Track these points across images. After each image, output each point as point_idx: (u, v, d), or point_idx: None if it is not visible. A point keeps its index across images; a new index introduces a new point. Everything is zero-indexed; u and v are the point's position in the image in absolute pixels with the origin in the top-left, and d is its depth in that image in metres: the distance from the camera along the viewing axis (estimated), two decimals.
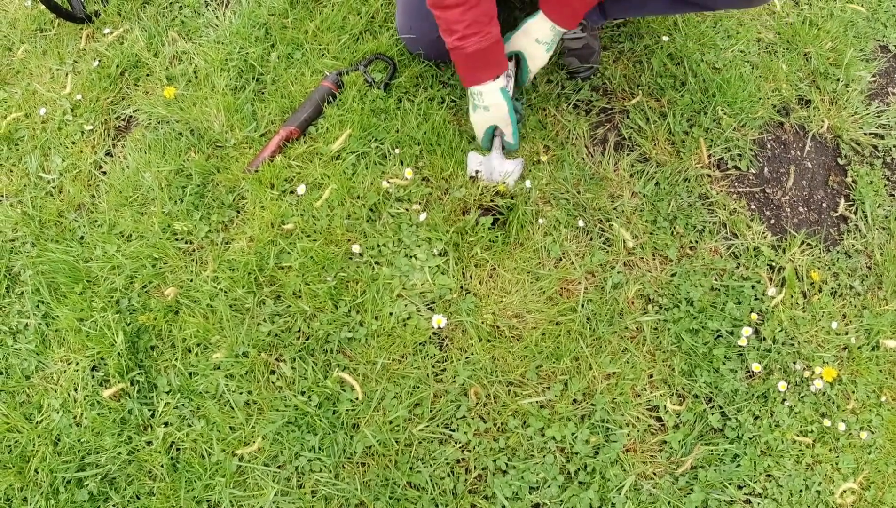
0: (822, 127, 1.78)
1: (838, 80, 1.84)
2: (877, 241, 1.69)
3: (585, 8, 1.45)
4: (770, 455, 1.45)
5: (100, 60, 1.80)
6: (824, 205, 1.72)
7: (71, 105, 1.75)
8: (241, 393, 1.42)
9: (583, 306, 1.47)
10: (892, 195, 1.76)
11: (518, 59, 1.56)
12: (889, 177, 1.78)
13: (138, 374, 1.44)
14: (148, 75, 1.75)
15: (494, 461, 1.36)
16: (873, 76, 1.89)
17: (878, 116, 1.83)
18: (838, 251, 1.65)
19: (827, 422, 1.50)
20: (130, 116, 1.72)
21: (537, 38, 1.49)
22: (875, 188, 1.75)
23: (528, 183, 1.54)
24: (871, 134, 1.81)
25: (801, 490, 1.45)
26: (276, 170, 1.54)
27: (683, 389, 1.46)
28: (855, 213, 1.72)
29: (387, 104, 1.59)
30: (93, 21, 1.85)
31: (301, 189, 1.52)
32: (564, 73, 1.68)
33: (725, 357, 1.48)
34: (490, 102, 1.45)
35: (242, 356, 1.43)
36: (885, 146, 1.80)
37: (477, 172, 1.53)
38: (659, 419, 1.43)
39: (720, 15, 1.87)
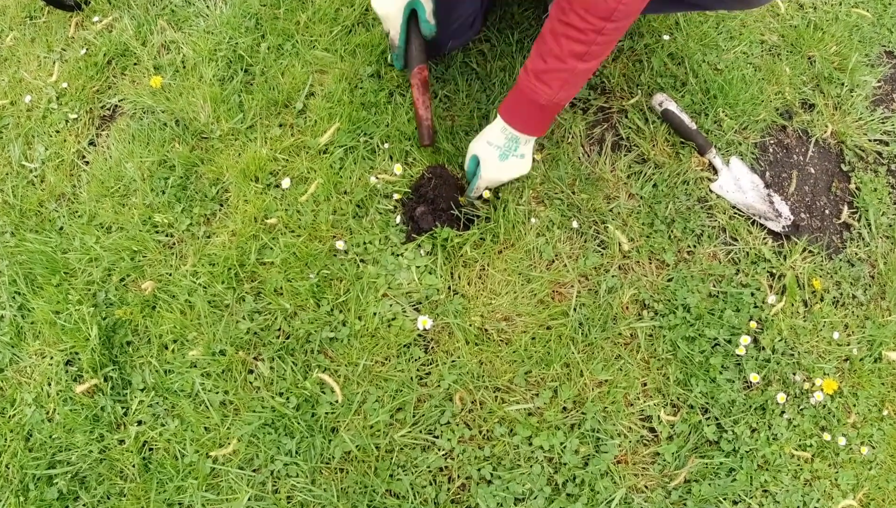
0: (825, 132, 1.70)
1: (843, 84, 1.75)
2: (880, 250, 1.60)
3: (540, 115, 1.27)
4: (767, 469, 1.35)
5: (87, 49, 1.72)
6: (827, 212, 1.63)
7: (57, 93, 1.67)
8: (217, 393, 1.33)
9: (575, 310, 1.38)
10: None
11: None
12: (893, 185, 1.69)
13: (112, 370, 1.36)
14: (135, 64, 1.67)
15: (479, 470, 1.26)
16: (878, 82, 1.80)
17: (883, 123, 1.74)
18: (841, 259, 1.56)
19: (827, 436, 1.40)
20: (116, 106, 1.64)
21: (489, 141, 1.35)
22: (879, 196, 1.65)
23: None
24: (875, 140, 1.72)
25: (798, 507, 1.36)
26: (260, 162, 1.46)
27: (678, 399, 1.36)
28: (858, 221, 1.62)
29: (377, 98, 1.51)
30: (82, 9, 1.77)
31: (286, 183, 1.44)
32: None
33: (723, 367, 1.38)
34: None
35: (219, 354, 1.34)
36: (890, 153, 1.71)
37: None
38: (652, 429, 1.34)
39: (723, 15, 1.78)
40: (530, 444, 1.28)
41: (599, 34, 1.12)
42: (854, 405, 1.46)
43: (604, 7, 1.09)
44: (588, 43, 1.13)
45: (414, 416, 1.29)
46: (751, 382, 1.40)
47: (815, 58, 1.77)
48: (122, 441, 1.31)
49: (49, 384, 1.37)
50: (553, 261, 1.42)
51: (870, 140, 1.72)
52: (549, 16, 1.20)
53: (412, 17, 1.37)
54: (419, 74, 1.39)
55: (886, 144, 1.73)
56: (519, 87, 1.25)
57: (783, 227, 1.54)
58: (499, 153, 1.32)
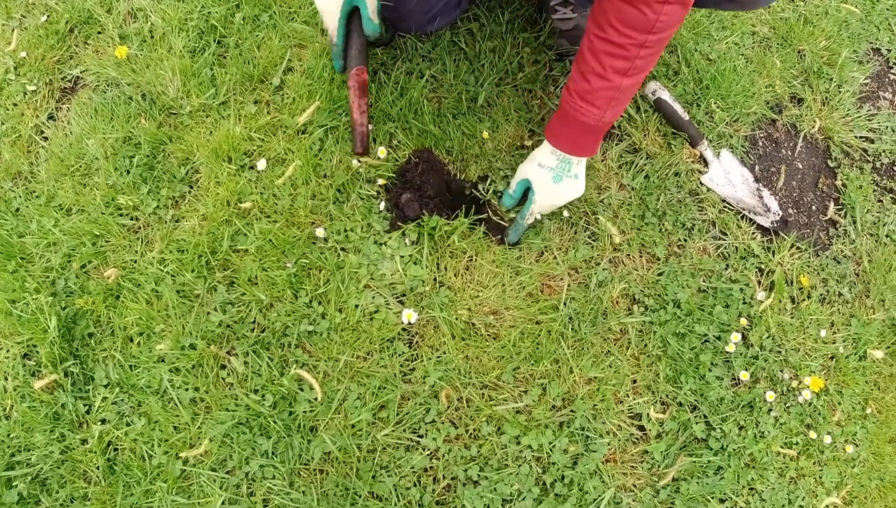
0: (813, 127, 1.67)
1: (831, 80, 1.73)
2: (865, 247, 1.58)
3: (589, 136, 1.20)
4: (754, 467, 1.33)
5: (48, 15, 1.58)
6: (814, 208, 1.60)
7: (14, 63, 1.53)
8: (186, 389, 1.24)
9: (565, 304, 1.32)
10: (881, 201, 1.66)
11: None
12: (878, 182, 1.68)
13: (73, 364, 1.25)
14: (99, 33, 1.53)
15: (465, 470, 1.20)
16: (866, 79, 1.78)
17: (869, 120, 1.73)
18: (827, 256, 1.54)
19: (812, 434, 1.39)
20: (77, 77, 1.50)
21: (540, 163, 1.27)
22: (864, 193, 1.64)
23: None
24: (861, 137, 1.70)
25: (783, 505, 1.33)
26: (234, 142, 1.35)
27: (668, 396, 1.33)
28: (844, 217, 1.61)
29: None
30: None
31: (261, 164, 1.34)
32: (553, 54, 1.52)
33: (712, 364, 1.35)
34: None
35: (189, 349, 1.24)
36: (875, 151, 1.70)
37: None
38: (641, 427, 1.30)
39: None
40: (518, 443, 1.23)
41: (642, 47, 1.05)
42: (839, 404, 1.45)
43: (643, 20, 1.01)
44: (631, 58, 1.06)
45: (397, 414, 1.22)
46: (739, 379, 1.37)
47: (805, 52, 1.74)
48: (84, 441, 1.21)
49: (5, 380, 1.26)
50: (543, 253, 1.36)
51: (856, 137, 1.70)
52: (585, 32, 1.12)
53: (354, 14, 1.25)
54: (357, 76, 1.27)
55: (872, 141, 1.72)
56: (563, 109, 1.18)
57: (772, 222, 1.51)
58: (552, 175, 1.24)
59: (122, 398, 1.26)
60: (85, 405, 1.27)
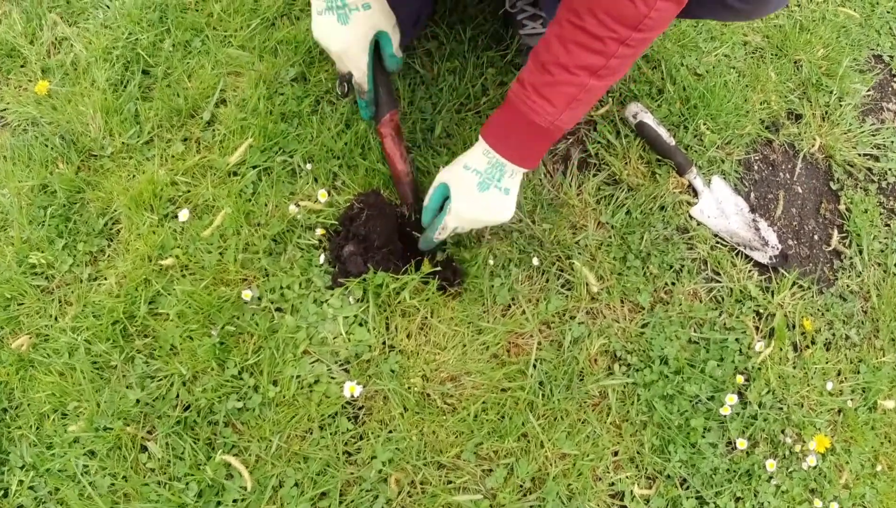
0: (813, 146, 1.34)
1: (831, 92, 1.39)
2: (872, 279, 1.26)
3: (535, 140, 0.87)
4: None
5: None
6: (816, 237, 1.28)
7: None
8: (104, 476, 0.96)
9: (535, 366, 1.02)
10: (888, 225, 1.33)
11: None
12: (884, 204, 1.35)
13: None
14: (22, 66, 1.22)
15: None
16: (868, 90, 1.44)
17: (874, 135, 1.39)
18: (832, 294, 1.22)
19: (818, 502, 1.08)
20: None
21: (466, 164, 0.92)
22: (870, 218, 1.31)
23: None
24: (865, 155, 1.37)
25: None
26: (157, 187, 1.05)
27: (654, 469, 1.02)
28: (849, 246, 1.28)
29: (300, 106, 1.10)
30: None
31: (183, 215, 1.04)
32: None
33: (705, 429, 1.04)
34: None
35: (105, 430, 0.96)
36: (881, 170, 1.36)
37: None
38: (624, 507, 1.01)
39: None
40: None
41: (623, 45, 0.76)
42: (847, 463, 1.13)
43: (632, 14, 0.72)
44: (607, 55, 0.77)
45: (341, 503, 0.93)
46: (736, 445, 1.07)
47: (803, 62, 1.40)
48: None
49: None
50: (510, 306, 1.05)
51: (859, 154, 1.37)
52: (556, 16, 0.81)
53: (375, 51, 0.95)
54: (391, 122, 0.99)
55: (877, 158, 1.38)
56: (511, 103, 0.85)
57: (770, 257, 1.19)
58: (478, 180, 0.89)
59: (38, 482, 0.98)
60: (1, 489, 0.99)
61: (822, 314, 1.20)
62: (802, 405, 1.12)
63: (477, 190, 0.90)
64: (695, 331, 1.10)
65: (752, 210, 1.22)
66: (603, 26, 0.76)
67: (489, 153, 0.89)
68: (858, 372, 1.17)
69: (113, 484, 0.96)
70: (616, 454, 1.01)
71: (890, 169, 1.38)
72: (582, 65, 0.79)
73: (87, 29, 1.23)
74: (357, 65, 0.94)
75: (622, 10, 0.73)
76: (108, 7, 1.26)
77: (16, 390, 1.02)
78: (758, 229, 1.20)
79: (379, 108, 1.01)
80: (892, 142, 1.42)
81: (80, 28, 1.24)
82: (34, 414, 1.00)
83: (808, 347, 1.16)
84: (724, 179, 1.23)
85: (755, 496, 1.05)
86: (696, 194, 1.19)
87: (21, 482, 0.99)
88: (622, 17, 0.74)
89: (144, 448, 0.98)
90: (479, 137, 0.90)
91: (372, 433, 0.97)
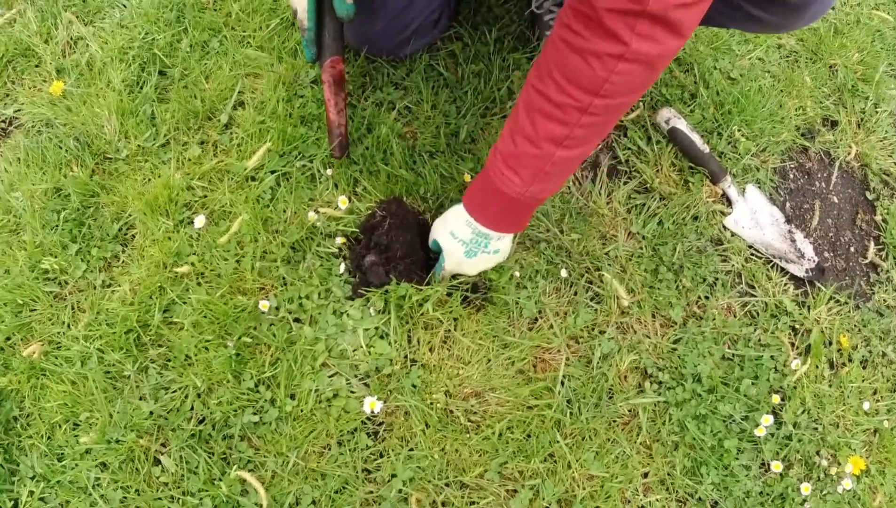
0: (849, 154, 1.28)
1: (867, 98, 1.33)
2: None
3: (511, 210, 0.84)
4: None
5: None
6: (852, 249, 1.23)
7: None
8: (116, 489, 0.93)
9: (562, 383, 0.97)
10: None
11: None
12: None
13: None
14: (36, 66, 1.19)
15: None
16: None
17: None
18: (869, 309, 1.16)
19: None
20: (12, 117, 1.18)
21: (452, 231, 0.92)
22: None
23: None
24: None
25: None
26: (172, 192, 1.02)
27: (685, 492, 0.97)
28: (885, 259, 1.23)
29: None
30: None
31: (199, 221, 1.00)
32: None
33: (738, 451, 0.99)
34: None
35: (116, 442, 0.93)
36: None
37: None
38: None
39: None
40: None
41: (585, 113, 0.69)
42: (881, 485, 1.08)
43: (589, 77, 0.65)
44: (569, 124, 0.70)
45: None
46: (770, 467, 1.02)
47: (838, 66, 1.35)
48: None
49: None
50: (536, 320, 1.01)
51: (895, 162, 1.32)
52: (525, 83, 0.76)
53: None
54: (332, 68, 0.94)
55: None
56: (486, 171, 0.82)
57: (806, 271, 1.14)
58: (464, 250, 0.89)
59: (48, 494, 0.95)
60: (11, 499, 0.96)
61: (859, 331, 1.14)
62: (838, 426, 1.07)
63: (464, 257, 0.90)
64: (729, 347, 1.05)
65: (788, 221, 1.17)
66: (562, 92, 0.70)
67: (472, 224, 0.86)
68: (895, 391, 1.13)
69: (125, 498, 0.93)
70: (646, 475, 0.97)
71: None
72: (546, 136, 0.73)
73: (103, 28, 1.20)
74: (299, 1, 0.93)
75: (580, 74, 0.67)
76: (124, 6, 1.22)
77: (27, 398, 0.99)
78: (793, 241, 1.15)
79: (322, 51, 0.97)
80: None
81: (96, 27, 1.21)
82: (45, 424, 0.97)
83: (844, 364, 1.11)
84: (759, 188, 1.18)
85: None
86: (730, 203, 1.14)
87: (31, 492, 0.96)
88: (580, 82, 0.67)
89: (158, 462, 0.95)
90: (461, 202, 0.88)
91: (392, 450, 0.93)
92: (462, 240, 0.89)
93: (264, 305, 0.95)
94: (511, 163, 0.78)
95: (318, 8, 0.93)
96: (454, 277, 1.00)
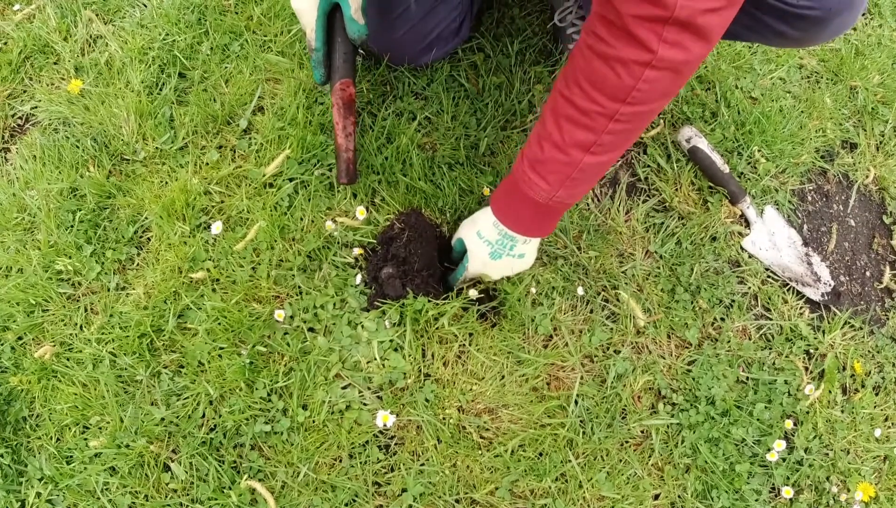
0: (867, 177, 1.26)
1: (886, 121, 1.31)
2: None
3: (538, 215, 0.84)
4: None
5: (6, 42, 1.23)
6: (868, 274, 1.21)
7: None
8: (124, 494, 0.92)
9: (576, 402, 0.96)
10: None
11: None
12: None
13: (4, 452, 0.93)
14: (55, 63, 1.18)
15: None
16: None
17: None
18: (883, 335, 1.15)
19: None
20: (29, 114, 1.16)
21: (479, 232, 0.91)
22: None
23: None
24: None
25: None
26: (189, 196, 1.00)
27: None
28: None
29: None
30: None
31: (216, 228, 0.99)
32: None
33: (749, 475, 0.98)
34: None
35: (126, 448, 0.92)
36: None
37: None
38: None
39: None
40: None
41: (612, 120, 0.68)
42: None
43: (616, 85, 0.64)
44: (596, 131, 0.69)
45: None
46: (780, 492, 1.01)
47: (858, 88, 1.33)
48: None
49: None
50: (551, 337, 0.99)
51: None
52: (553, 88, 0.75)
53: (336, 13, 0.90)
54: (342, 91, 0.92)
55: None
56: (513, 175, 0.81)
57: (822, 294, 1.12)
58: (490, 251, 0.88)
59: (56, 496, 0.94)
60: (18, 500, 0.95)
61: (873, 356, 1.13)
62: (849, 452, 1.06)
63: (489, 258, 0.89)
64: (743, 370, 1.03)
65: (805, 243, 1.15)
66: (588, 99, 0.68)
67: (498, 225, 0.85)
68: None
69: (133, 504, 0.92)
70: (657, 497, 0.95)
71: None
72: (573, 142, 0.72)
73: (123, 28, 1.18)
74: (307, 21, 0.91)
75: (606, 81, 0.66)
76: (144, 6, 1.21)
77: (37, 399, 0.98)
78: (810, 264, 1.14)
79: (332, 73, 0.95)
80: None
81: (116, 26, 1.19)
82: (55, 426, 0.96)
83: (857, 390, 1.10)
84: (778, 209, 1.16)
85: None
86: (748, 224, 1.13)
87: (39, 494, 0.95)
88: (607, 89, 0.66)
89: (167, 468, 0.93)
90: (489, 204, 0.87)
91: (403, 464, 0.92)
92: (488, 240, 0.88)
93: (280, 314, 0.94)
94: (538, 168, 0.77)
95: (329, 28, 0.91)
96: (474, 285, 0.99)
